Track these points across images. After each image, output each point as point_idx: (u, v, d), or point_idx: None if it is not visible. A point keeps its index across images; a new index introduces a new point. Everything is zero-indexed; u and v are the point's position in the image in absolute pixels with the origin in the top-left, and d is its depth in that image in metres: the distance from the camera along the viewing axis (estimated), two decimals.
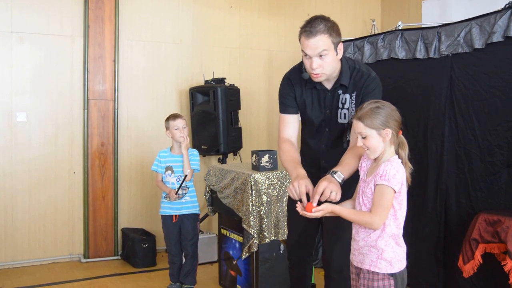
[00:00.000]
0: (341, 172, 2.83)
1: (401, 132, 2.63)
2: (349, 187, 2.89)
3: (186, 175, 4.44)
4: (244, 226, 4.12)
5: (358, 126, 2.60)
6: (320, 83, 3.12)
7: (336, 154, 3.08)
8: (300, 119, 3.36)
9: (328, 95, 3.13)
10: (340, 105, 3.10)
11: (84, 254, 5.71)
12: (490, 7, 4.23)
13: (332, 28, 2.93)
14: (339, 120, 3.11)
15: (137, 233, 5.71)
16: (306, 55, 2.96)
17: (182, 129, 4.48)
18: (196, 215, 4.62)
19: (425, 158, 4.41)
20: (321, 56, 2.91)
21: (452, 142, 4.24)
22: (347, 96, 3.08)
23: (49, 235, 5.61)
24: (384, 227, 2.58)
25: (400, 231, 2.62)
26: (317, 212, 2.62)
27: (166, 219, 4.57)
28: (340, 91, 3.10)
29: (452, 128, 4.24)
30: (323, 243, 3.37)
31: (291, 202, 3.40)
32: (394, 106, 2.62)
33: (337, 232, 3.19)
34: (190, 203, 4.56)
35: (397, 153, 2.63)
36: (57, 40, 5.57)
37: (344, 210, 2.63)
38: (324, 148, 3.22)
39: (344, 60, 3.08)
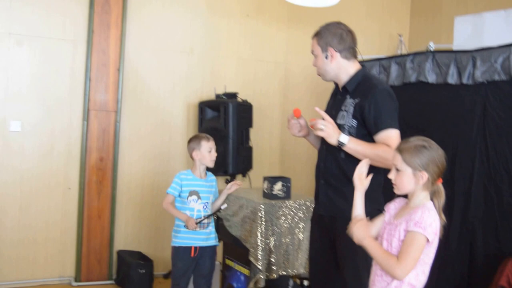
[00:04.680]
0: (348, 141, 3.16)
1: (441, 180, 2.60)
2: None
3: (221, 206, 4.25)
4: (251, 259, 4.10)
5: (396, 158, 2.59)
6: (337, 88, 3.53)
7: (332, 159, 3.37)
8: None
9: (338, 97, 3.47)
10: (343, 107, 3.36)
11: (76, 277, 5.68)
12: None
13: (323, 32, 3.44)
14: (338, 121, 3.30)
15: (133, 257, 5.68)
16: None
17: (214, 152, 4.32)
18: (216, 247, 4.40)
19: (451, 192, 4.36)
20: (315, 57, 3.48)
21: (482, 176, 4.20)
22: (351, 100, 3.32)
23: (39, 254, 5.58)
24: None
25: (420, 284, 2.55)
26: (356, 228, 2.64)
27: (184, 251, 4.23)
28: (348, 96, 3.38)
29: (483, 161, 4.20)
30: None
31: (312, 237, 3.61)
32: (443, 152, 2.59)
33: (352, 260, 3.25)
34: (213, 233, 4.32)
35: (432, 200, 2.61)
36: (58, 44, 5.58)
37: (373, 242, 2.57)
38: (324, 149, 3.45)
39: (361, 70, 3.43)
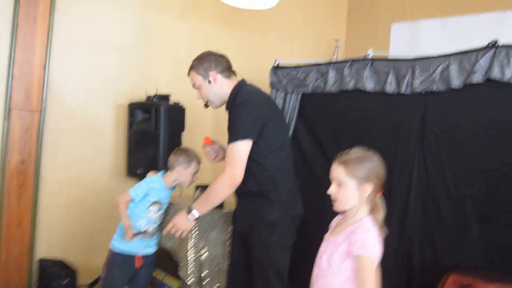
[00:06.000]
0: (196, 210, 3.43)
1: (380, 193, 2.49)
2: None
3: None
4: (181, 274, 3.90)
5: (338, 171, 2.45)
6: None
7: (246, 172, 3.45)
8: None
9: (228, 115, 3.69)
10: (228, 125, 3.57)
11: None
12: (465, 34, 4.21)
13: (198, 63, 3.70)
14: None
15: (56, 266, 5.41)
16: None
17: (196, 176, 4.21)
18: (155, 254, 4.13)
19: (387, 204, 4.25)
20: (198, 89, 3.70)
21: (419, 188, 4.12)
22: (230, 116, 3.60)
23: None
24: None
25: None
26: None
27: (125, 259, 3.91)
28: (229, 112, 3.65)
29: (420, 173, 4.12)
30: None
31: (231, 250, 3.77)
32: (382, 163, 2.48)
33: (262, 266, 3.37)
34: (156, 239, 4.07)
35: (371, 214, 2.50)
36: None
37: None
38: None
39: (237, 85, 3.68)
